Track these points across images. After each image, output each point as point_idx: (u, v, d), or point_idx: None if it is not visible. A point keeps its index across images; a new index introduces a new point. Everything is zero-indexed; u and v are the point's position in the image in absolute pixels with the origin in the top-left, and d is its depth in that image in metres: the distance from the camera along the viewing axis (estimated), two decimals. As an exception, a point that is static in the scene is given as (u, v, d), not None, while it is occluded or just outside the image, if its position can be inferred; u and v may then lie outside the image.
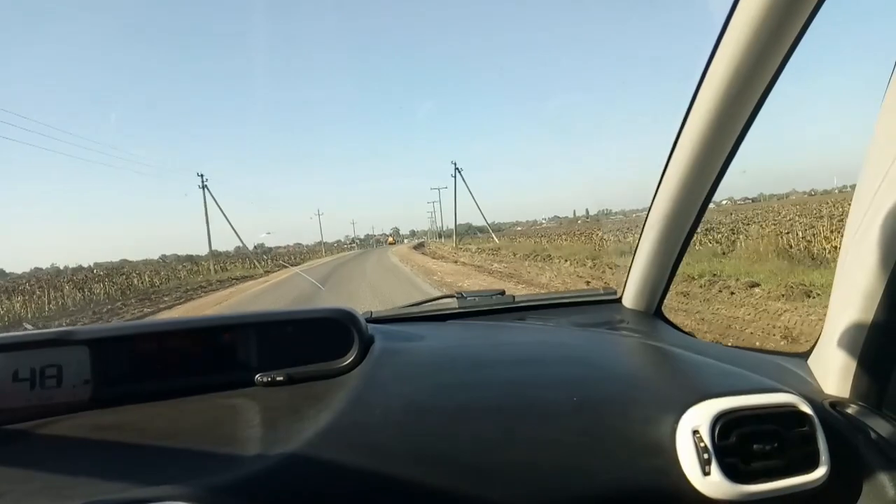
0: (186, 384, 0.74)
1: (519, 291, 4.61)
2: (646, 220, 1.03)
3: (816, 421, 0.66)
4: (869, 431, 0.67)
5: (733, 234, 10.75)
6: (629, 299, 1.18)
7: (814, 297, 5.05)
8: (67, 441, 0.63)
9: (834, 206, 14.09)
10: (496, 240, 31.65)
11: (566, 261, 12.03)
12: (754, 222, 13.00)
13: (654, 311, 1.17)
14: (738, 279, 6.42)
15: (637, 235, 1.09)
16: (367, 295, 9.02)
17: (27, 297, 14.78)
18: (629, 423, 0.66)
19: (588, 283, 8.22)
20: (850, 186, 0.82)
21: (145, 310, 11.99)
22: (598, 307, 1.25)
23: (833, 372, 0.76)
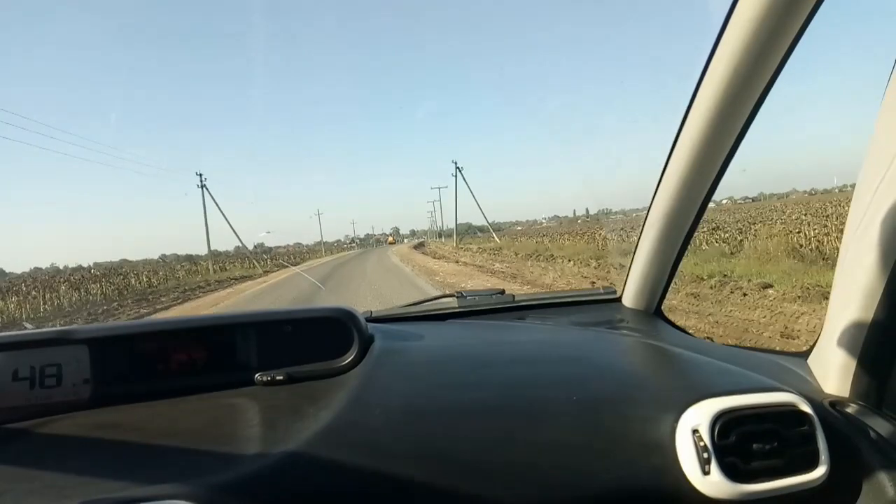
0: (186, 383, 0.74)
1: (524, 292, 4.57)
2: (646, 219, 1.03)
3: (816, 420, 0.66)
4: (869, 431, 0.67)
5: (740, 233, 10.56)
6: (629, 298, 1.18)
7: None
8: (67, 440, 0.63)
9: (838, 205, 13.96)
10: (497, 239, 31.58)
11: (569, 261, 11.95)
12: (760, 221, 12.87)
13: (653, 311, 1.16)
14: (749, 280, 6.23)
15: (637, 234, 1.09)
16: (368, 295, 9.01)
17: (22, 298, 14.74)
18: (629, 423, 0.66)
19: (593, 283, 8.11)
20: (851, 186, 0.82)
21: (141, 310, 11.94)
22: (597, 306, 1.25)
23: (833, 371, 0.76)
